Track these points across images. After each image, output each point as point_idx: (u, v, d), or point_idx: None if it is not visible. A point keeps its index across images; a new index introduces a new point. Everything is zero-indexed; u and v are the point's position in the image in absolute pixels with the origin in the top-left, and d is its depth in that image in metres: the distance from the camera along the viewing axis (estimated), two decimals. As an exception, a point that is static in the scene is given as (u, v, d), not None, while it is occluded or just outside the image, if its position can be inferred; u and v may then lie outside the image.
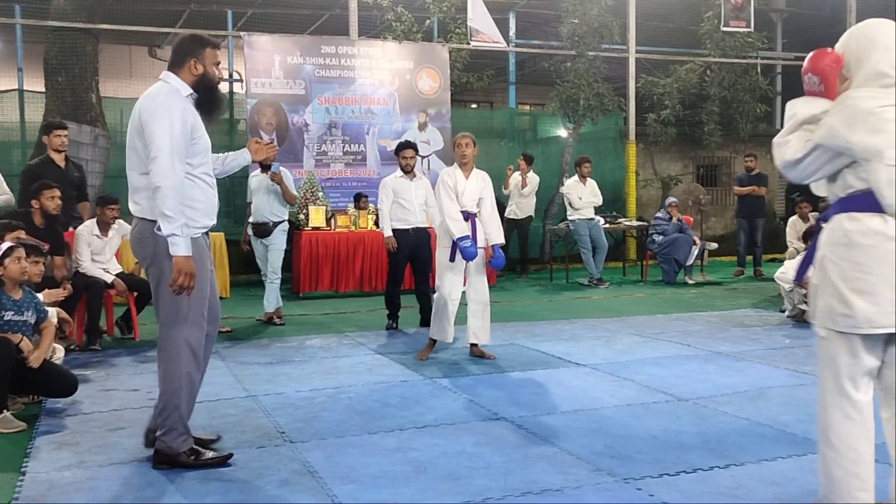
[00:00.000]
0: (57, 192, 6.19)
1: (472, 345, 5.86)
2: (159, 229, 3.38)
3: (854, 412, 2.71)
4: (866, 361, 2.70)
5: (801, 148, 2.76)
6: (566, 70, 12.82)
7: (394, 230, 7.14)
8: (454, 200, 5.73)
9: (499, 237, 5.85)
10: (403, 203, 7.09)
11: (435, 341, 5.89)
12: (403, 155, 7.19)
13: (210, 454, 3.59)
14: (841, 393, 2.73)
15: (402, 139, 8.29)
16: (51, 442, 3.96)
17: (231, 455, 3.64)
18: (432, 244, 7.07)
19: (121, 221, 6.89)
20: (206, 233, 3.66)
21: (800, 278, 2.96)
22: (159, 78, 3.59)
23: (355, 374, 5.37)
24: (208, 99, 3.62)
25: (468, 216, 5.76)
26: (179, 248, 3.37)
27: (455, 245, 5.67)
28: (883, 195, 2.63)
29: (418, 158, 11.51)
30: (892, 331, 2.64)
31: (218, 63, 3.64)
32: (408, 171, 7.18)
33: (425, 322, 7.29)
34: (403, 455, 3.69)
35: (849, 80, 2.76)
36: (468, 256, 5.61)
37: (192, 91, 3.56)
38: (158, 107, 3.41)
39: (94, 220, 6.62)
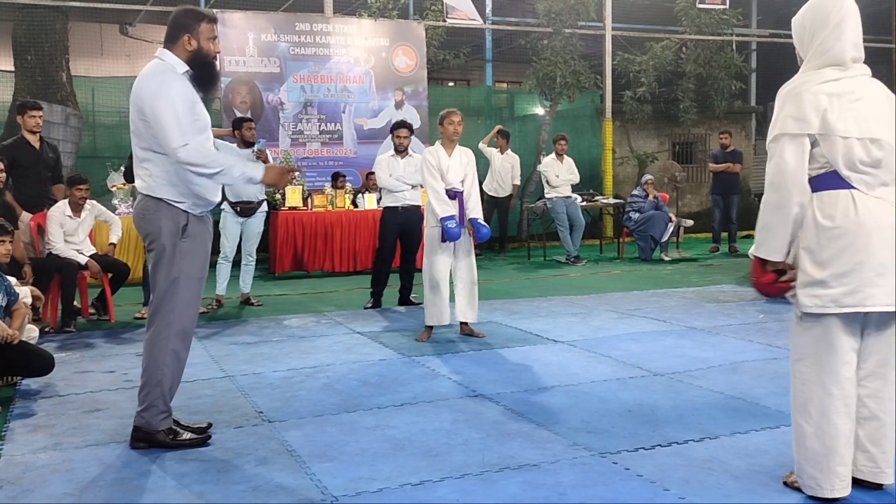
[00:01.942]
0: (0, 165, 6.13)
1: (462, 323, 5.87)
2: (168, 208, 3.43)
3: (836, 388, 2.75)
4: (845, 340, 2.74)
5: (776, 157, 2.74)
6: (543, 48, 12.79)
7: (386, 208, 7.17)
8: (438, 180, 5.71)
9: (477, 212, 5.81)
10: (395, 182, 7.07)
11: (432, 326, 5.82)
12: (398, 134, 7.17)
13: (188, 434, 3.58)
14: (822, 369, 2.77)
15: (401, 119, 8.23)
16: (26, 424, 3.93)
17: (209, 435, 3.63)
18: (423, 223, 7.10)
19: (93, 202, 6.81)
20: (208, 212, 3.64)
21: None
22: (155, 55, 3.54)
23: (333, 354, 5.37)
24: (203, 74, 3.57)
25: (454, 194, 5.73)
26: (255, 174, 3.54)
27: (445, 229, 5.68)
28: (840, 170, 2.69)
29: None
30: (861, 310, 2.68)
31: (214, 38, 3.58)
32: (401, 151, 7.15)
33: (403, 300, 7.31)
34: (382, 433, 3.70)
35: (803, 59, 2.85)
36: (452, 237, 5.59)
37: (187, 68, 3.51)
38: (158, 89, 3.38)
39: (66, 200, 6.55)
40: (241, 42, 10.77)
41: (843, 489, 2.77)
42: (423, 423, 3.84)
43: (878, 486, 2.85)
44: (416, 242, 7.19)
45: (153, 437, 3.51)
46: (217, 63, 3.70)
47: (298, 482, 3.13)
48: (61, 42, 10.45)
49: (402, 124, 7.30)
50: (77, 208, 6.56)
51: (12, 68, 10.39)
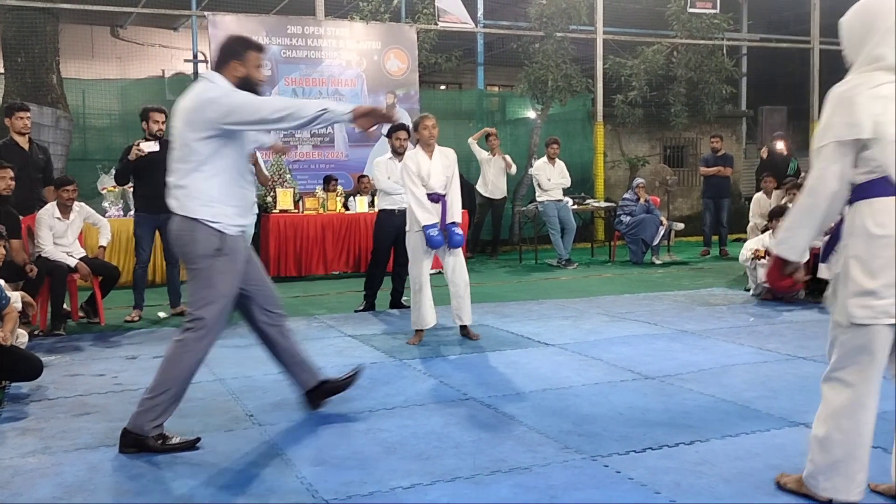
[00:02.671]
0: (10, 173, 6.08)
1: (462, 326, 5.86)
2: (202, 227, 3.49)
3: (870, 399, 2.72)
4: (885, 351, 2.70)
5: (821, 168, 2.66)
6: (534, 51, 12.82)
7: (382, 211, 7.13)
8: (419, 186, 5.66)
9: (455, 216, 5.75)
10: (393, 185, 7.01)
11: (422, 330, 5.81)
12: (397, 136, 7.12)
13: (177, 439, 3.57)
14: (863, 379, 2.71)
15: (399, 122, 8.21)
16: (15, 428, 3.91)
17: (198, 439, 3.62)
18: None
19: (81, 204, 6.79)
20: (243, 231, 3.69)
21: (825, 259, 2.91)
22: (202, 76, 3.69)
23: (324, 357, 5.36)
24: None
25: (438, 198, 5.73)
26: (340, 113, 3.51)
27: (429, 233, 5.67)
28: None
29: (385, 139, 11.55)
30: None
31: (260, 66, 3.70)
32: (400, 153, 7.05)
33: (395, 303, 7.29)
34: (373, 436, 3.70)
35: (853, 62, 2.74)
36: (434, 245, 5.58)
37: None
38: (219, 90, 3.51)
39: (55, 203, 6.52)
40: (232, 45, 10.74)
41: (861, 494, 2.77)
42: (414, 426, 3.84)
43: None
44: None
45: (143, 442, 3.50)
46: (261, 89, 3.76)
47: (289, 485, 3.12)
48: (52, 44, 10.40)
49: (402, 126, 7.27)
50: (66, 210, 6.53)
51: (2, 70, 10.35)
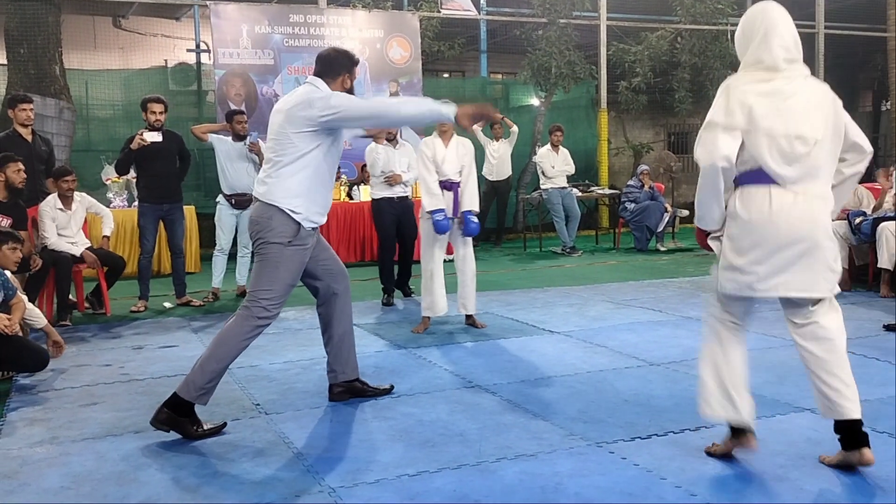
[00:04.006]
0: (22, 166, 6.10)
1: (467, 315, 5.86)
2: (280, 214, 3.64)
3: (734, 344, 3.22)
4: (743, 313, 3.21)
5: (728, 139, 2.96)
6: (538, 38, 12.77)
7: (380, 199, 7.04)
8: (432, 172, 5.68)
9: (471, 204, 5.78)
10: (388, 172, 6.99)
11: (429, 317, 5.83)
12: None
13: (208, 425, 3.63)
14: (725, 331, 3.23)
15: None
16: (22, 418, 3.93)
17: (225, 424, 3.69)
18: (416, 213, 7.08)
19: (82, 194, 6.79)
20: (316, 228, 3.84)
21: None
22: (307, 81, 3.87)
23: (330, 346, 5.37)
24: None
25: (451, 185, 5.71)
26: (448, 112, 3.62)
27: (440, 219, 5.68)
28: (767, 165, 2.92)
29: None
30: (773, 295, 3.03)
31: (354, 78, 3.98)
32: (391, 140, 7.05)
33: (399, 289, 7.26)
34: (378, 424, 3.71)
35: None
36: (441, 229, 5.59)
37: None
38: (325, 92, 3.75)
39: (56, 194, 6.53)
40: (234, 34, 10.73)
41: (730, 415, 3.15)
42: (420, 413, 3.85)
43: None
44: (413, 233, 7.15)
45: (177, 423, 3.55)
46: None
47: (296, 474, 3.13)
48: (54, 35, 10.37)
49: None
50: (67, 201, 6.54)
51: (5, 62, 10.33)
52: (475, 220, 5.76)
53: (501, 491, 2.91)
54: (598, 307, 6.57)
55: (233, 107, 9.66)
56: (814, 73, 14.21)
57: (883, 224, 6.66)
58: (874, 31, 15.16)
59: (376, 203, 7.10)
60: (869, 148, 3.10)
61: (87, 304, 6.82)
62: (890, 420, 3.58)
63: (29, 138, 6.86)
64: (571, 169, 10.67)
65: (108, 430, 3.71)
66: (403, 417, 3.80)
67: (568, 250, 10.37)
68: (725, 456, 3.18)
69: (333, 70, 3.88)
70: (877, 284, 6.94)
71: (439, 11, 12.23)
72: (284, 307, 6.76)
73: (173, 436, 3.59)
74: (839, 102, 3.01)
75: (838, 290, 3.06)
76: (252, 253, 7.29)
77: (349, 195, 9.92)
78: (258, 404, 4.06)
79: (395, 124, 3.64)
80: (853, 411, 2.97)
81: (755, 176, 2.95)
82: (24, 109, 6.80)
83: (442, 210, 5.60)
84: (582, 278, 8.21)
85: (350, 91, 3.89)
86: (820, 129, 2.92)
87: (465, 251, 5.78)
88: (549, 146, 10.68)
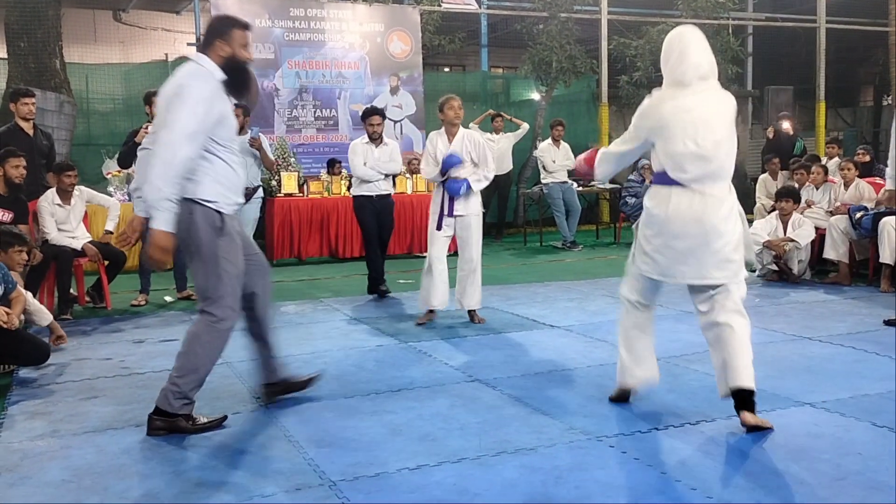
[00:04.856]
0: (22, 161, 6.09)
1: (469, 310, 5.85)
2: (200, 207, 3.44)
3: (644, 322, 3.79)
4: (654, 293, 3.76)
5: (621, 143, 3.73)
6: (539, 32, 12.74)
7: (360, 196, 7.06)
8: (429, 164, 5.74)
9: (473, 182, 5.68)
10: (369, 171, 6.97)
11: (432, 310, 5.83)
12: (370, 122, 7.05)
13: (205, 419, 3.61)
14: (637, 308, 3.78)
15: (371, 104, 8.19)
16: (23, 411, 3.94)
17: (226, 417, 3.68)
18: (395, 212, 7.13)
19: (81, 188, 6.78)
20: (237, 210, 3.68)
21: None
22: (190, 58, 3.63)
23: (330, 340, 5.38)
24: (236, 80, 3.61)
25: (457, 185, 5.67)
26: (158, 220, 3.33)
27: (441, 214, 5.70)
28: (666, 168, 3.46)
29: (391, 123, 11.50)
30: (673, 282, 3.55)
31: (246, 44, 3.63)
32: (375, 138, 7.04)
33: (372, 290, 7.14)
34: (379, 418, 3.71)
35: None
36: (452, 163, 5.56)
37: (222, 74, 3.55)
38: (187, 87, 3.41)
39: (54, 189, 6.52)
40: (235, 28, 10.69)
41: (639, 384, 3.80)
42: (420, 408, 3.85)
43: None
44: (388, 231, 7.20)
45: (175, 424, 3.53)
46: (251, 69, 3.74)
47: (296, 467, 3.14)
48: (54, 29, 10.35)
49: (374, 111, 7.19)
50: (66, 196, 6.53)
51: (5, 55, 10.31)
52: (460, 181, 5.63)
53: (501, 485, 2.92)
54: (599, 302, 6.57)
55: (233, 101, 9.64)
56: (815, 68, 14.04)
57: (884, 219, 6.66)
58: (875, 25, 15.12)
59: (357, 200, 7.10)
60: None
61: (87, 298, 6.82)
62: (890, 415, 3.58)
63: (30, 132, 6.85)
64: (572, 163, 10.64)
65: (108, 423, 3.71)
66: (403, 411, 3.80)
67: (568, 245, 10.37)
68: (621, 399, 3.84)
69: (209, 40, 3.59)
70: (877, 279, 6.93)
71: (440, 5, 12.20)
72: (284, 301, 6.83)
73: (174, 429, 3.59)
74: (735, 114, 3.52)
75: (744, 274, 3.49)
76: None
77: (350, 189, 9.89)
78: (259, 397, 4.07)
79: (153, 166, 3.34)
80: (746, 382, 3.39)
81: (661, 178, 3.50)
82: (27, 104, 6.79)
83: (452, 154, 5.62)
84: (582, 273, 8.21)
85: (233, 59, 3.56)
86: (720, 138, 3.39)
87: (467, 245, 5.75)
88: (549, 141, 10.66)
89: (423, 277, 5.78)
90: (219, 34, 3.56)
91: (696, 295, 3.55)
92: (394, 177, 7.53)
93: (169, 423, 3.53)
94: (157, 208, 3.33)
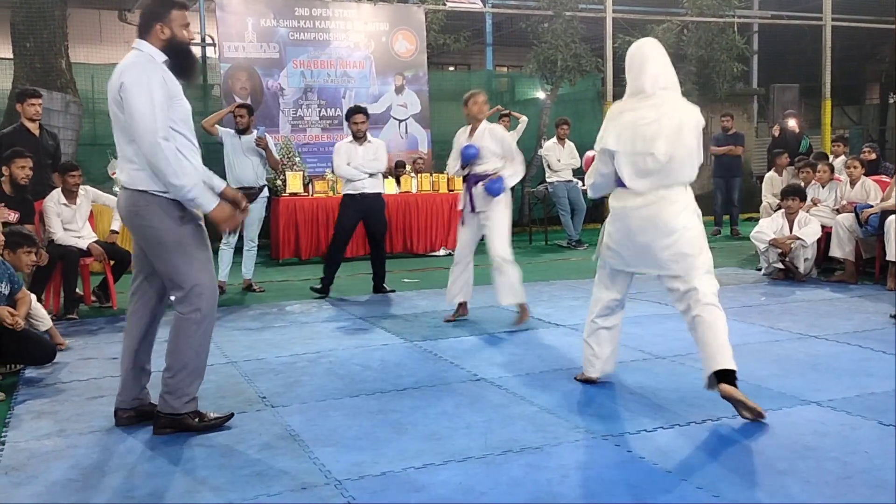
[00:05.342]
0: (29, 163, 6.09)
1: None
2: (160, 200, 3.38)
3: (609, 310, 4.08)
4: (623, 282, 4.05)
5: (599, 163, 3.93)
6: (543, 31, 12.72)
7: (345, 195, 7.07)
8: (452, 158, 5.82)
9: (507, 177, 5.61)
10: (352, 171, 6.96)
11: (460, 304, 5.89)
12: (354, 120, 7.01)
13: (212, 414, 3.61)
14: (607, 292, 4.07)
15: (355, 106, 8.14)
16: (30, 411, 3.95)
17: (232, 415, 3.68)
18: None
19: (86, 187, 6.80)
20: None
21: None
22: (132, 46, 3.52)
23: (336, 339, 5.38)
24: (181, 62, 3.55)
25: (475, 178, 5.65)
26: (206, 204, 3.41)
27: (464, 210, 5.73)
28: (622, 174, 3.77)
29: (396, 122, 11.52)
30: (635, 271, 3.94)
31: (186, 24, 3.55)
32: (359, 137, 7.00)
33: (378, 288, 7.19)
34: (384, 417, 3.71)
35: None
36: (493, 192, 5.54)
37: (165, 57, 3.49)
38: (136, 79, 3.35)
39: (59, 189, 6.53)
40: (240, 27, 10.73)
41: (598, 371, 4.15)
42: (426, 406, 3.85)
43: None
44: (381, 229, 7.19)
45: (180, 422, 3.52)
46: (193, 49, 3.69)
47: (302, 466, 3.14)
48: (60, 29, 10.36)
49: (358, 110, 7.14)
50: (71, 196, 6.55)
51: (11, 56, 10.33)
52: (500, 180, 5.57)
53: (507, 483, 2.92)
54: (604, 300, 6.55)
55: (238, 100, 9.68)
56: (821, 66, 13.96)
57: (890, 217, 6.64)
58: (881, 23, 15.07)
59: (343, 199, 7.13)
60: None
61: (93, 298, 6.83)
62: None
63: (36, 133, 6.87)
64: (577, 162, 10.63)
65: (114, 422, 3.71)
66: (409, 410, 3.80)
67: (574, 244, 10.36)
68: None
69: (146, 24, 3.49)
70: (884, 278, 6.91)
71: (445, 4, 12.20)
72: (289, 300, 6.84)
73: (180, 429, 3.60)
74: (700, 124, 3.79)
75: (704, 267, 3.74)
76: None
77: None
78: (264, 397, 4.07)
79: (160, 174, 3.33)
80: (723, 364, 3.55)
81: (621, 182, 3.80)
82: (34, 104, 6.81)
83: (469, 145, 5.64)
84: (587, 272, 8.16)
85: (173, 41, 3.49)
86: (674, 148, 3.63)
87: (491, 238, 5.63)
88: (554, 139, 10.66)
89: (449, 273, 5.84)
90: (157, 17, 3.48)
91: (671, 294, 3.82)
92: (383, 175, 7.49)
93: (174, 422, 3.52)
94: (193, 199, 3.38)
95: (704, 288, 3.68)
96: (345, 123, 11.11)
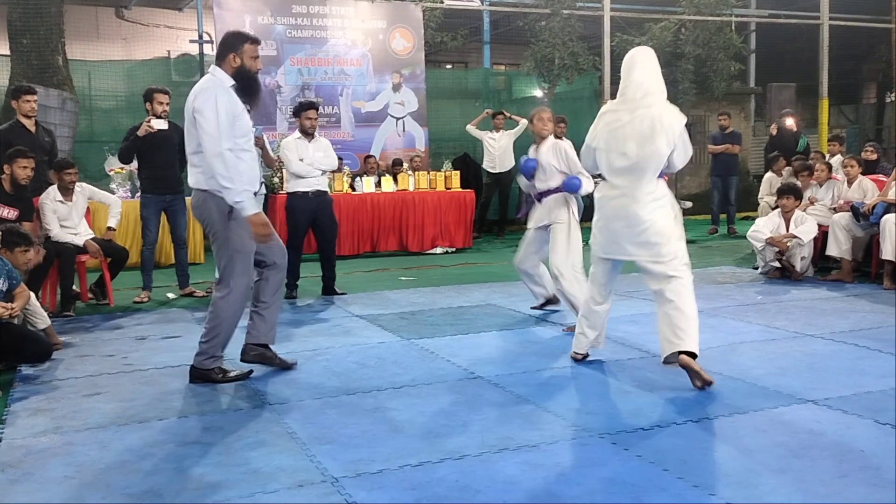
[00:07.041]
0: (31, 163, 6.04)
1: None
2: (213, 197, 4.10)
3: (598, 297, 4.43)
4: (611, 269, 4.38)
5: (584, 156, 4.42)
6: (541, 29, 12.73)
7: (294, 193, 6.85)
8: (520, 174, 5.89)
9: (584, 181, 5.60)
10: (306, 167, 6.78)
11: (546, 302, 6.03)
12: (307, 115, 6.79)
13: (235, 371, 4.30)
14: (594, 280, 4.45)
15: (309, 100, 8.10)
16: (26, 408, 3.94)
17: (252, 371, 4.35)
18: (335, 209, 7.02)
19: (83, 184, 6.78)
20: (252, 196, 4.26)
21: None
22: (208, 71, 4.26)
23: (332, 337, 5.38)
24: (246, 87, 4.24)
25: (540, 196, 5.72)
26: (247, 208, 4.08)
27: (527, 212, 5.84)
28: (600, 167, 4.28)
29: (394, 120, 11.51)
30: (613, 258, 4.27)
31: (256, 57, 4.25)
32: (309, 133, 6.82)
33: (327, 290, 7.04)
34: (381, 415, 3.71)
35: None
36: (570, 189, 5.65)
37: (233, 82, 4.17)
38: (206, 99, 4.04)
39: (55, 186, 6.52)
40: (237, 25, 10.67)
41: (585, 348, 4.57)
42: (422, 405, 3.85)
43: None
44: (332, 229, 7.01)
45: (208, 376, 4.23)
46: (259, 77, 4.39)
47: (298, 464, 3.14)
48: (57, 26, 10.35)
49: (310, 105, 6.96)
50: (67, 193, 6.53)
51: (8, 52, 10.31)
52: (578, 178, 5.60)
53: (504, 482, 2.92)
54: (601, 299, 6.55)
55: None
56: (818, 65, 13.94)
57: (886, 216, 6.65)
58: (878, 22, 15.09)
59: (290, 198, 6.90)
60: (678, 167, 4.21)
61: (90, 295, 6.83)
62: (892, 412, 3.57)
63: (32, 129, 6.85)
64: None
65: (111, 419, 3.72)
66: (406, 408, 3.80)
67: (571, 242, 10.33)
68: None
69: (222, 53, 4.21)
70: (880, 277, 6.92)
71: (442, 2, 12.19)
72: (285, 298, 6.82)
73: (176, 425, 3.61)
74: (677, 127, 4.04)
75: (671, 255, 4.03)
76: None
77: (352, 187, 9.91)
78: (261, 394, 4.07)
79: (217, 178, 4.05)
80: (688, 346, 3.94)
81: (601, 176, 4.27)
82: (29, 101, 6.79)
83: (529, 158, 5.78)
84: (585, 270, 8.18)
85: (242, 69, 4.18)
86: (646, 148, 3.99)
87: (551, 248, 5.79)
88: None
89: None
90: (231, 48, 4.18)
91: (649, 282, 4.15)
92: (332, 173, 7.30)
93: (203, 375, 4.24)
94: (239, 203, 4.05)
95: (682, 278, 4.05)
96: (343, 120, 11.10)
